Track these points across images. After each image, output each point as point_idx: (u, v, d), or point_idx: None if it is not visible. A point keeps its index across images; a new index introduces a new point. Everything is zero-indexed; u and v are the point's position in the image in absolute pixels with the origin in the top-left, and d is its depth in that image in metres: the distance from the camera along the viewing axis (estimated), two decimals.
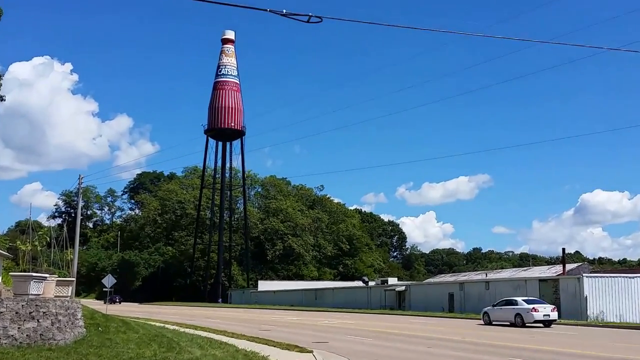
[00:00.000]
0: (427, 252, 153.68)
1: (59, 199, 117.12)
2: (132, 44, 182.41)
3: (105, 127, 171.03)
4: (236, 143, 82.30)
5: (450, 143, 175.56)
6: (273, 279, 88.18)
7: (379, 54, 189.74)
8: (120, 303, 67.39)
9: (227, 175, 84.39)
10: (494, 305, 29.66)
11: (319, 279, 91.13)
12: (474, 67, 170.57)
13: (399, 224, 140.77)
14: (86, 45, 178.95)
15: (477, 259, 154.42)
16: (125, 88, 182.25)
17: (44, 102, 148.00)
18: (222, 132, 78.72)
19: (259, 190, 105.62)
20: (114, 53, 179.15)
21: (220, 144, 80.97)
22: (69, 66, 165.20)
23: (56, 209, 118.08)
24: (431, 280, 74.42)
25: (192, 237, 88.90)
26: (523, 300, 27.99)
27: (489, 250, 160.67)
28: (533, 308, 26.59)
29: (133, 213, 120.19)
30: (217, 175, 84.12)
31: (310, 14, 10.41)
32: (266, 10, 10.75)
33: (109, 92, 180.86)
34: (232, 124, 78.22)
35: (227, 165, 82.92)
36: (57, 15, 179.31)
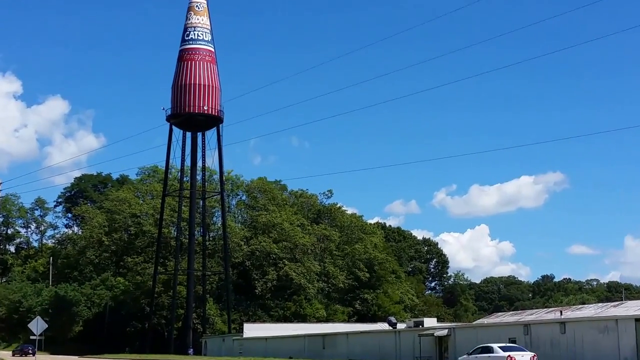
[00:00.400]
0: (478, 281, 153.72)
1: None
2: (67, 6, 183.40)
3: (32, 113, 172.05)
4: (211, 133, 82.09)
5: (506, 130, 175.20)
6: (264, 321, 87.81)
7: (396, 12, 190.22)
8: (33, 355, 67.07)
9: (199, 178, 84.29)
10: (469, 354, 33.82)
11: (327, 320, 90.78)
12: (526, 27, 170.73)
13: (437, 243, 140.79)
14: (8, 4, 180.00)
15: (547, 291, 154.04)
16: (58, 60, 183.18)
17: None
18: (192, 118, 78.57)
19: (243, 198, 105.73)
20: (42, 12, 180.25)
21: (188, 135, 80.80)
22: None
23: None
24: (484, 320, 74.16)
25: (151, 265, 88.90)
26: (499, 347, 32.16)
27: (565, 279, 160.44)
28: (509, 356, 30.64)
29: (70, 232, 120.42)
30: (185, 179, 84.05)
31: None
32: None
33: (36, 66, 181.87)
34: (205, 108, 78.05)
35: (199, 164, 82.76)
36: None
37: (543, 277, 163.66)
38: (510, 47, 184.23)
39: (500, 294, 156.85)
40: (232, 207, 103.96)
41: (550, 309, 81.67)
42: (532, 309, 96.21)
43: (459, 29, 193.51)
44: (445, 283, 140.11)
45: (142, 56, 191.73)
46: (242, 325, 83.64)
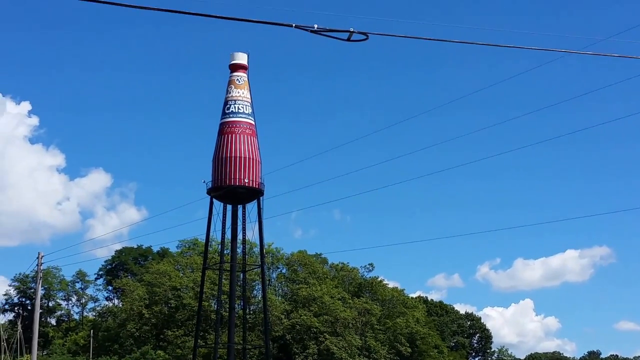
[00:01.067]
0: (523, 357, 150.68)
1: (10, 285, 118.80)
2: (108, 75, 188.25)
3: (75, 186, 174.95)
4: (251, 206, 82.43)
5: (551, 202, 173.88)
6: None
7: (443, 78, 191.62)
8: None
9: (240, 250, 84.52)
10: None
11: None
12: (589, 93, 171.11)
13: (480, 318, 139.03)
14: (49, 77, 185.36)
15: None
16: (100, 134, 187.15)
17: None
18: (232, 191, 79.05)
19: (284, 271, 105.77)
20: (85, 87, 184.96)
21: (229, 207, 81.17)
22: (26, 106, 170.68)
23: (7, 299, 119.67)
24: None
25: (191, 338, 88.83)
26: None
27: (612, 355, 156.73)
28: None
29: (111, 304, 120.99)
30: (225, 252, 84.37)
31: (351, 29, 10.56)
32: (291, 25, 11.13)
33: (79, 140, 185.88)
34: (246, 181, 78.49)
35: (239, 237, 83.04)
36: (10, 34, 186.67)
37: (589, 353, 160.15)
38: (557, 116, 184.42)
39: None
40: (273, 280, 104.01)
41: None
42: None
43: (502, 99, 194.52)
44: (489, 359, 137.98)
45: (182, 127, 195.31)
46: None
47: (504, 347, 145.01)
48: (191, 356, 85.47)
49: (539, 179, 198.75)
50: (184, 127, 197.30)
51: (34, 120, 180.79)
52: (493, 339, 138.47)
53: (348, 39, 10.57)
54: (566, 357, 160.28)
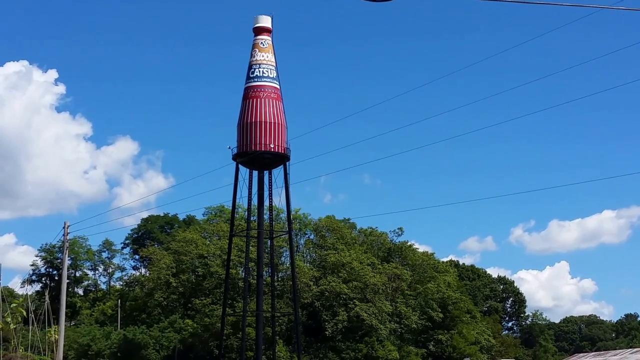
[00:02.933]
0: (558, 321, 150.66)
1: (37, 256, 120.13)
2: (134, 40, 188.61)
3: (102, 155, 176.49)
4: (278, 172, 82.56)
5: (586, 162, 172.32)
6: None
7: (471, 39, 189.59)
8: None
9: (267, 217, 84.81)
10: None
11: None
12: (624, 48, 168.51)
13: (514, 281, 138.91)
14: (77, 43, 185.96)
15: (631, 330, 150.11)
16: (127, 101, 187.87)
17: (17, 124, 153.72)
18: (258, 157, 79.12)
19: (311, 237, 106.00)
20: (112, 54, 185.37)
21: (255, 173, 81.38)
22: (53, 74, 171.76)
23: (34, 270, 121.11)
24: None
25: (219, 306, 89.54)
26: None
27: None
28: None
29: (138, 274, 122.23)
30: (252, 218, 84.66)
31: None
32: None
33: (106, 108, 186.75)
34: (272, 146, 78.44)
35: (266, 203, 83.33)
36: (39, 5, 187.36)
37: (626, 315, 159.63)
38: (584, 77, 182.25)
39: (582, 333, 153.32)
40: (301, 246, 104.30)
41: (635, 349, 79.61)
42: (615, 349, 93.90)
43: (532, 60, 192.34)
44: (523, 323, 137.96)
45: (208, 93, 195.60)
46: None
47: (538, 310, 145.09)
48: (219, 324, 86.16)
49: (573, 139, 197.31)
50: (210, 92, 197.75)
51: (61, 89, 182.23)
52: (527, 303, 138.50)
53: None
54: (602, 320, 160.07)
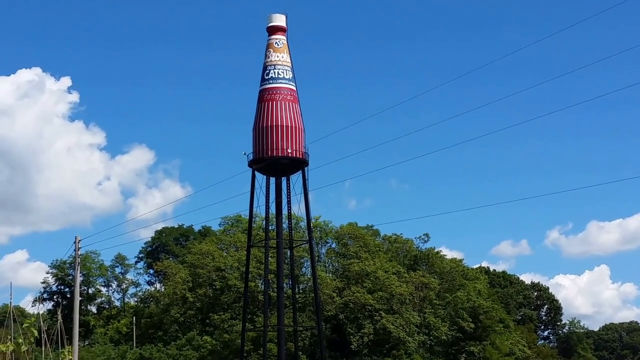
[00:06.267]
0: (597, 329, 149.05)
1: (48, 273, 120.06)
2: (146, 46, 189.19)
3: (116, 165, 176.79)
4: (296, 178, 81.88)
5: (626, 159, 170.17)
6: None
7: (497, 35, 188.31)
8: None
9: (285, 226, 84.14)
10: None
11: None
12: None
13: (548, 288, 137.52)
14: (91, 50, 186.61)
15: None
16: (141, 108, 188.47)
17: (29, 134, 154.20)
18: (275, 162, 78.47)
19: (333, 246, 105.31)
20: (125, 60, 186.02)
21: (272, 180, 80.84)
22: (66, 82, 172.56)
23: (45, 287, 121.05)
24: None
25: (239, 321, 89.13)
26: None
27: None
28: None
29: (152, 289, 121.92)
30: (270, 227, 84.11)
31: None
32: None
33: (121, 116, 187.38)
34: (290, 151, 77.72)
35: (285, 211, 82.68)
36: (52, 11, 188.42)
37: None
38: (620, 69, 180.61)
39: (623, 342, 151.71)
40: (322, 255, 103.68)
41: None
42: None
43: (565, 53, 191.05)
44: (560, 332, 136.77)
45: (222, 97, 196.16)
46: None
47: (575, 318, 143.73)
48: (239, 340, 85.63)
49: (611, 136, 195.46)
50: (226, 96, 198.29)
51: (74, 97, 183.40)
52: (564, 310, 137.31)
53: None
54: None
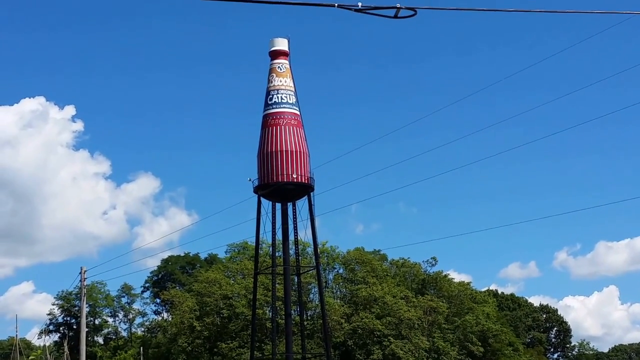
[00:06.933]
0: (606, 350, 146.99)
1: (54, 304, 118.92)
2: (152, 73, 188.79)
3: (122, 194, 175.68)
4: (302, 203, 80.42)
5: (632, 178, 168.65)
6: None
7: (497, 54, 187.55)
8: None
9: (292, 252, 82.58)
10: None
11: None
12: None
13: (557, 310, 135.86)
14: (93, 79, 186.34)
15: None
16: (147, 136, 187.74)
17: (33, 164, 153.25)
18: (281, 188, 77.02)
19: (340, 271, 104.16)
20: (130, 89, 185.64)
21: (278, 206, 79.32)
22: (70, 110, 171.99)
23: (51, 319, 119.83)
24: None
25: (247, 349, 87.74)
26: None
27: None
28: None
29: (159, 318, 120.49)
30: (277, 254, 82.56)
31: (398, 5, 11.22)
32: (334, 5, 11.84)
33: (126, 144, 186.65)
34: (295, 176, 76.39)
35: (291, 237, 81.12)
36: (55, 40, 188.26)
37: None
38: (623, 87, 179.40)
39: None
40: (330, 281, 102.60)
41: None
42: None
43: (563, 73, 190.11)
44: (569, 354, 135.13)
45: (227, 123, 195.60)
46: None
47: (584, 340, 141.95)
48: None
49: (616, 154, 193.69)
50: (227, 123, 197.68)
51: (79, 126, 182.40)
52: (573, 332, 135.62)
53: (395, 16, 11.20)
54: None
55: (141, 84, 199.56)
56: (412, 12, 11.10)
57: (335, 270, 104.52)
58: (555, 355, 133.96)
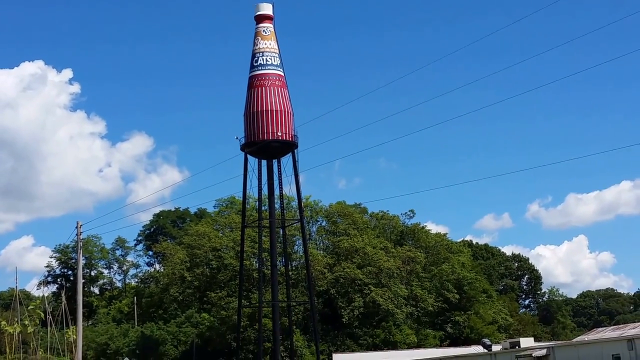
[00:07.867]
0: (575, 296, 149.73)
1: (51, 257, 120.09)
2: (145, 40, 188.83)
3: (117, 152, 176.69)
4: (287, 160, 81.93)
5: (602, 132, 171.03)
6: (353, 350, 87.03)
7: (476, 18, 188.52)
8: None
9: (278, 206, 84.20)
10: None
11: (418, 345, 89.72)
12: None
13: (528, 259, 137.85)
14: (89, 45, 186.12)
15: None
16: (140, 98, 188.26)
17: (32, 125, 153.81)
18: (266, 146, 78.53)
19: (323, 224, 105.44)
20: (123, 54, 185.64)
21: (264, 163, 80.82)
22: (68, 73, 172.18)
23: (49, 271, 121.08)
24: (584, 337, 71.92)
25: (235, 298, 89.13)
26: None
27: None
28: None
29: (152, 270, 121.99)
30: (263, 208, 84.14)
31: None
32: None
33: (120, 105, 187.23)
34: (280, 134, 77.72)
35: (276, 192, 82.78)
36: (55, 8, 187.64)
37: None
38: (594, 47, 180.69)
39: (600, 308, 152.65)
40: (313, 234, 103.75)
41: None
42: (634, 322, 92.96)
43: (542, 31, 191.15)
44: (540, 300, 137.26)
45: (215, 85, 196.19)
46: (331, 355, 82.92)
47: (554, 287, 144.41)
48: (236, 317, 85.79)
49: (586, 111, 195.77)
50: (216, 84, 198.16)
51: (76, 88, 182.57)
52: (544, 280, 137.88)
53: None
54: (620, 293, 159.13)
55: (134, 50, 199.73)
56: None
57: (319, 223, 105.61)
58: (527, 302, 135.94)
